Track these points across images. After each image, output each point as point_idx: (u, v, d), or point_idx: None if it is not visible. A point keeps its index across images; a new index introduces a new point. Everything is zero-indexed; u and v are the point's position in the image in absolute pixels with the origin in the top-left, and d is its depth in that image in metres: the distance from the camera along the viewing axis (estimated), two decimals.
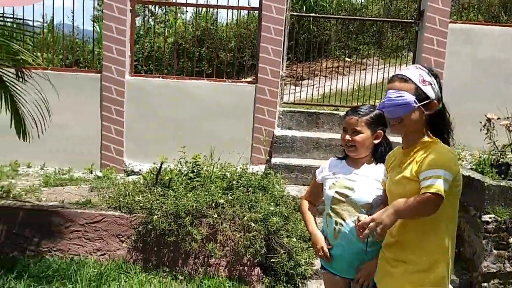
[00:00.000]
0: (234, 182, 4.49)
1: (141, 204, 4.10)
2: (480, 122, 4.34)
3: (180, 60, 10.80)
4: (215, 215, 3.99)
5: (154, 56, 7.77)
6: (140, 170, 5.67)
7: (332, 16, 9.30)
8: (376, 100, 6.77)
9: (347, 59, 12.28)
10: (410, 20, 6.68)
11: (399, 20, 9.21)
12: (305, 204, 2.75)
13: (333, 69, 10.87)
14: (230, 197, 4.16)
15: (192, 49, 11.36)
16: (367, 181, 2.43)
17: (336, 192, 2.47)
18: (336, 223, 2.45)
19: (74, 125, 5.68)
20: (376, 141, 2.46)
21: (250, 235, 3.93)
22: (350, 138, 2.45)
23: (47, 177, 5.23)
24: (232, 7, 5.99)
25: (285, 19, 5.58)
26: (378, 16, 12.74)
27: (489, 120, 4.28)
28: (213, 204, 4.12)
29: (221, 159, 5.08)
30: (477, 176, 4.10)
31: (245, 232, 3.97)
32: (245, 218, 3.97)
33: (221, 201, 4.10)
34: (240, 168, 4.80)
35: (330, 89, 7.99)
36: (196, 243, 3.91)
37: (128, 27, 5.62)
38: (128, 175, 5.64)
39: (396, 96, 2.01)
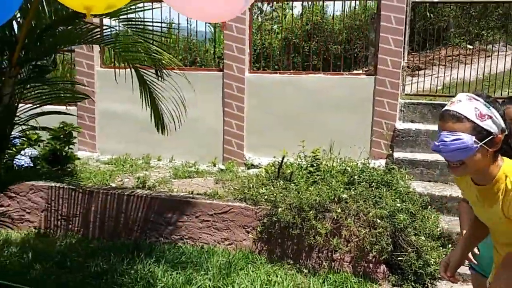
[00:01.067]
0: (355, 177, 4.44)
1: (266, 197, 4.22)
2: None
3: (291, 55, 10.91)
4: (339, 210, 3.97)
5: (265, 53, 7.92)
6: (259, 163, 5.84)
7: (462, 0, 8.68)
8: (509, 91, 6.24)
9: (468, 46, 11.46)
10: None
11: None
12: (463, 205, 2.49)
13: (453, 57, 10.19)
14: (353, 192, 4.11)
15: (302, 43, 11.38)
16: None
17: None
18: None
19: (198, 121, 6.01)
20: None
21: (376, 231, 3.85)
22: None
23: (176, 169, 5.61)
24: None
25: (406, 7, 5.35)
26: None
27: None
28: (335, 199, 4.11)
29: (340, 153, 5.05)
30: None
31: (371, 228, 3.90)
32: (370, 214, 3.90)
33: (344, 196, 4.07)
34: (361, 162, 4.72)
35: (450, 79, 7.50)
36: (321, 237, 3.93)
37: (247, 25, 5.79)
38: (248, 168, 5.84)
39: (452, 140, 1.73)
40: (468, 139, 1.72)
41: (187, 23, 7.17)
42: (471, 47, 11.43)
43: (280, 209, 4.06)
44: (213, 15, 1.93)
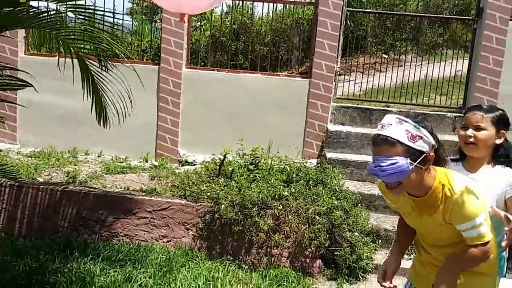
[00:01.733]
0: (293, 175, 4.58)
1: (208, 194, 4.22)
2: None
3: (216, 54, 10.94)
4: (280, 207, 4.08)
5: (192, 49, 7.87)
6: (194, 160, 5.80)
7: (393, 12, 9.25)
8: (423, 98, 6.77)
9: (384, 55, 12.25)
10: (468, 18, 6.62)
11: (458, 17, 9.24)
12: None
13: (370, 65, 10.83)
14: (293, 190, 4.24)
15: (229, 42, 11.44)
16: (488, 186, 2.21)
17: None
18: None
19: (130, 116, 5.81)
20: (498, 141, 2.30)
21: (315, 227, 4.01)
22: (472, 134, 2.27)
23: (106, 164, 5.40)
24: (287, 2, 6.04)
25: (341, 14, 5.61)
26: (416, 12, 12.65)
27: None
28: (276, 196, 4.22)
29: (274, 151, 5.19)
30: None
31: (310, 224, 4.06)
32: (310, 211, 4.05)
33: (285, 193, 4.19)
34: (299, 161, 4.88)
35: (367, 85, 7.94)
36: (263, 233, 4.01)
37: (186, 19, 5.72)
38: (182, 165, 5.78)
39: (388, 165, 1.82)
40: (403, 162, 1.81)
41: (113, 15, 6.93)
42: (386, 56, 12.23)
43: (223, 206, 4.09)
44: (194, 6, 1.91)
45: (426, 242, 2.18)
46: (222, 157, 4.81)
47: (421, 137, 1.84)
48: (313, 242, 4.01)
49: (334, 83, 5.72)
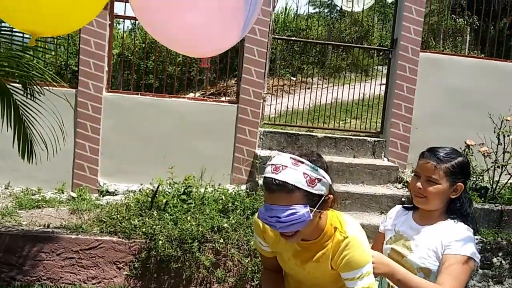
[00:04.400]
0: (229, 204, 4.47)
1: (144, 229, 3.95)
2: (460, 148, 4.71)
3: (125, 73, 10.55)
4: (221, 240, 3.95)
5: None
6: (115, 190, 5.44)
7: (314, 41, 9.58)
8: (339, 121, 7.06)
9: (292, 77, 12.67)
10: (384, 48, 7.05)
11: (374, 47, 9.93)
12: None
13: (279, 87, 11.11)
14: (233, 221, 4.13)
15: (138, 61, 11.11)
16: (430, 242, 1.99)
17: (393, 249, 2.09)
18: (389, 285, 2.07)
19: (42, 143, 5.32)
20: (453, 196, 2.00)
21: (257, 259, 3.93)
22: (421, 187, 1.99)
23: (18, 198, 4.86)
24: None
25: (268, 41, 5.68)
26: (320, 37, 13.30)
27: (468, 146, 4.65)
28: (215, 228, 4.08)
29: (210, 178, 5.06)
30: None
31: (252, 257, 3.97)
32: (252, 242, 3.97)
33: (225, 225, 4.06)
34: (232, 189, 4.79)
35: (281, 107, 8.06)
36: (205, 269, 3.84)
37: (107, 41, 5.40)
38: (102, 196, 5.38)
39: (286, 215, 1.60)
40: (303, 211, 1.61)
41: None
42: (294, 78, 12.66)
43: (160, 242, 3.85)
44: (205, 50, 1.77)
45: None
46: (153, 188, 4.57)
47: (320, 180, 1.65)
48: (255, 276, 3.92)
49: (261, 108, 5.74)
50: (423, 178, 2.00)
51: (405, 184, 5.41)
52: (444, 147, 2.05)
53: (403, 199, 5.19)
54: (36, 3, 1.40)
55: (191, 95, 9.33)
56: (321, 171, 1.66)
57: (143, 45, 10.51)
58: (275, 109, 7.56)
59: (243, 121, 5.59)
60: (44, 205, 4.77)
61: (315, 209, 1.64)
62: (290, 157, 1.64)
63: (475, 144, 4.67)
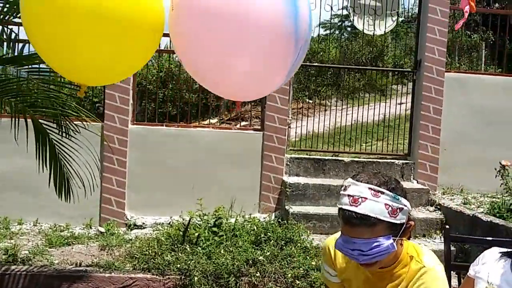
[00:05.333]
0: (262, 235, 4.38)
1: (178, 265, 3.87)
2: (495, 169, 4.59)
3: (143, 102, 10.62)
4: (258, 274, 3.84)
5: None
6: (143, 223, 5.38)
7: (332, 65, 9.60)
8: (360, 144, 6.95)
9: (308, 100, 12.65)
10: (408, 70, 6.99)
11: (398, 69, 9.91)
12: None
13: (297, 110, 11.09)
14: (267, 253, 4.03)
15: (155, 90, 11.16)
16: None
17: None
18: None
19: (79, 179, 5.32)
20: None
21: None
22: None
23: (47, 235, 4.82)
24: None
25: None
26: (334, 59, 13.32)
27: (503, 166, 4.53)
28: (250, 261, 3.98)
29: (240, 209, 4.99)
30: (501, 221, 4.28)
31: None
32: (289, 275, 3.86)
33: (260, 257, 3.96)
34: (264, 219, 4.70)
35: (301, 130, 7.99)
36: None
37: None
38: (130, 229, 5.32)
39: (370, 248, 1.55)
40: (386, 242, 1.55)
41: None
42: (310, 101, 12.64)
43: (196, 278, 3.76)
44: (249, 94, 1.72)
45: None
46: (183, 220, 4.50)
47: (401, 209, 1.58)
48: None
49: (286, 135, 5.69)
50: None
51: (438, 207, 5.29)
52: None
53: (436, 223, 5.07)
54: (88, 58, 1.40)
55: (208, 121, 9.35)
56: (402, 200, 1.59)
57: (160, 74, 10.60)
58: (295, 132, 7.50)
59: (269, 148, 5.53)
60: (73, 242, 4.72)
61: (397, 238, 1.58)
62: (369, 188, 1.57)
63: (510, 164, 4.53)
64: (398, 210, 1.57)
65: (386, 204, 1.55)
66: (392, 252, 1.59)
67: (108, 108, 5.35)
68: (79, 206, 5.27)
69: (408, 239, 1.71)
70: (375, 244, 1.54)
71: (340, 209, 1.61)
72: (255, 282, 3.84)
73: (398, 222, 1.57)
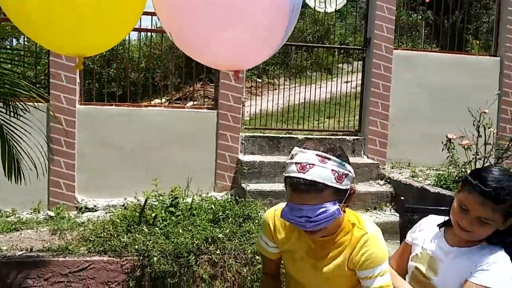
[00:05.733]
0: (220, 213, 4.36)
1: (136, 246, 3.79)
2: (442, 142, 4.80)
3: (87, 82, 10.24)
4: (218, 251, 3.84)
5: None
6: (95, 205, 5.23)
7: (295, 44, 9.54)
8: (312, 122, 7.07)
9: (257, 79, 12.65)
10: (358, 47, 7.09)
11: (348, 47, 10.03)
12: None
13: (248, 89, 11.08)
14: (227, 231, 4.03)
15: (99, 70, 10.77)
16: (460, 266, 1.77)
17: (417, 268, 1.92)
18: None
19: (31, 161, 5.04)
20: (502, 228, 1.73)
21: (255, 268, 3.85)
22: (470, 230, 1.73)
23: None
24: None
25: None
26: None
27: (449, 140, 4.74)
28: (209, 240, 3.96)
29: (188, 188, 4.94)
30: (447, 192, 4.50)
31: (250, 266, 3.88)
32: (249, 251, 3.88)
33: (220, 235, 3.95)
34: (221, 197, 4.69)
35: (251, 109, 8.02)
36: (204, 282, 3.72)
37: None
38: (82, 212, 5.15)
39: (317, 214, 1.56)
40: (333, 208, 1.57)
41: None
42: (259, 80, 12.64)
43: (155, 258, 3.70)
44: (243, 64, 1.67)
45: None
46: (137, 201, 4.40)
47: (347, 175, 1.60)
48: (255, 285, 3.84)
49: (241, 113, 5.66)
50: (472, 215, 1.71)
51: (387, 180, 5.48)
52: (496, 175, 1.68)
53: (387, 196, 5.26)
54: (79, 27, 1.33)
55: (157, 101, 9.13)
56: (348, 166, 1.62)
57: (104, 54, 10.21)
58: (249, 111, 7.49)
59: (224, 127, 5.49)
60: (22, 227, 4.51)
61: (342, 204, 1.61)
62: (317, 154, 1.58)
63: (455, 138, 4.75)
64: (344, 176, 1.59)
65: (333, 170, 1.57)
66: (337, 218, 1.62)
67: (53, 87, 5.09)
68: (26, 190, 5.02)
69: (347, 206, 1.72)
70: (322, 209, 1.56)
71: (287, 177, 1.62)
72: (215, 260, 3.83)
73: (344, 187, 1.60)
